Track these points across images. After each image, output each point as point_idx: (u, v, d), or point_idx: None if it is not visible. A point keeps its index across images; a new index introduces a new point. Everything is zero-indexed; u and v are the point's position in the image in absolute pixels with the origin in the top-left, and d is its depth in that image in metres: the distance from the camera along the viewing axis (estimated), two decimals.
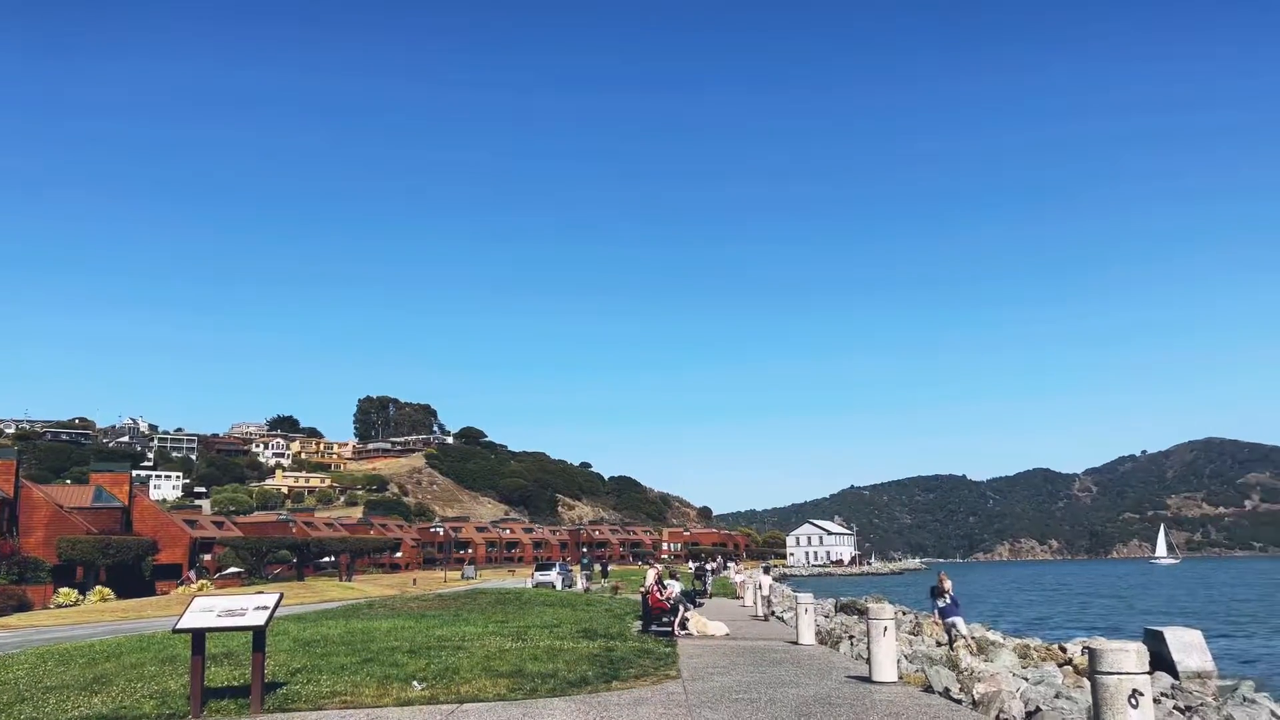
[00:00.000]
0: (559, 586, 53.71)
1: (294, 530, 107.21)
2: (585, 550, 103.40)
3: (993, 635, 26.04)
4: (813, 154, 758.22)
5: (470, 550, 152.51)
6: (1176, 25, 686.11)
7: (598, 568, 70.80)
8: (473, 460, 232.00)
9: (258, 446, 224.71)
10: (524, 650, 16.03)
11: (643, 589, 22.57)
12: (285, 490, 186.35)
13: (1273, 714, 13.38)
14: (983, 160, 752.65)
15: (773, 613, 29.59)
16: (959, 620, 21.11)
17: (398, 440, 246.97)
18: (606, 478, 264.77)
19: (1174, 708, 13.76)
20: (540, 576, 57.08)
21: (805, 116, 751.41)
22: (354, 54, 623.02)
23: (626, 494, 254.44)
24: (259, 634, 10.81)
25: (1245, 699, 14.76)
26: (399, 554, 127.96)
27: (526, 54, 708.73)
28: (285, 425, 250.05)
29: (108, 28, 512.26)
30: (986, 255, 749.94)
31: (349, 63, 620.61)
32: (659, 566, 26.84)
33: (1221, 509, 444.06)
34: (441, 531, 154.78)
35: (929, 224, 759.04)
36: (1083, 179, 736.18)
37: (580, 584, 52.02)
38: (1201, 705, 13.96)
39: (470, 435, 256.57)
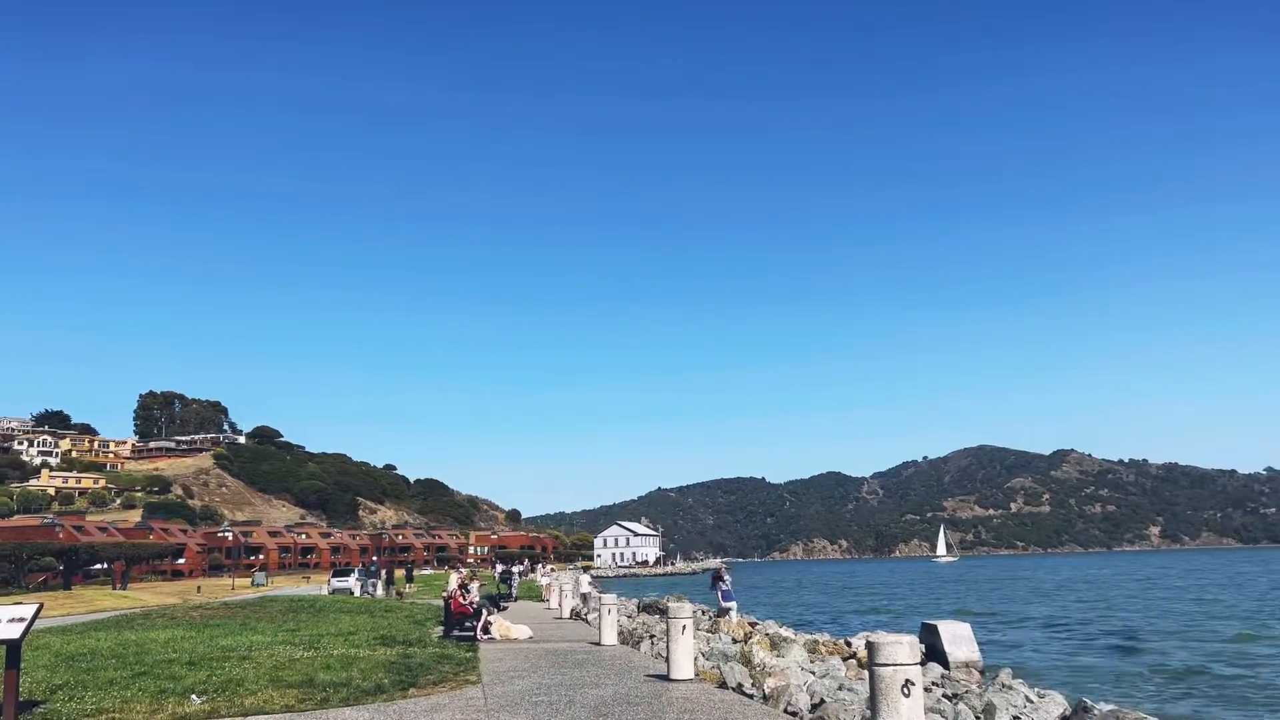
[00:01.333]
0: (357, 593, 51.91)
1: (61, 535, 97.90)
2: (375, 559, 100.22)
3: (785, 632, 27.17)
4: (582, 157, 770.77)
5: (262, 556, 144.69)
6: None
7: (400, 573, 68.85)
8: (267, 461, 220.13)
9: (21, 444, 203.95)
10: (316, 659, 15.36)
11: (445, 593, 22.14)
12: (52, 492, 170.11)
13: (1026, 698, 14.68)
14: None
15: (579, 614, 29.73)
16: (734, 605, 25.85)
17: (183, 439, 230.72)
18: (412, 480, 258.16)
19: (943, 695, 14.83)
20: (337, 583, 55.06)
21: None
22: None
23: (432, 497, 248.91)
24: (13, 649, 9.82)
25: (1004, 685, 16.13)
26: (182, 560, 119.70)
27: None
28: (54, 421, 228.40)
29: None
30: (781, 271, 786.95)
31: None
32: (463, 570, 26.43)
33: (991, 511, 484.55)
34: (230, 536, 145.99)
35: (727, 233, 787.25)
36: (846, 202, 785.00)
37: (376, 591, 50.66)
38: (966, 692, 15.13)
39: (264, 435, 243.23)
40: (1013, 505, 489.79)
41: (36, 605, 10.50)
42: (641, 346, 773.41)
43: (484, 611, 20.84)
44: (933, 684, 16.25)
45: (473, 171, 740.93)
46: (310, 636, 19.74)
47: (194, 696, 11.50)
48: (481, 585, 27.75)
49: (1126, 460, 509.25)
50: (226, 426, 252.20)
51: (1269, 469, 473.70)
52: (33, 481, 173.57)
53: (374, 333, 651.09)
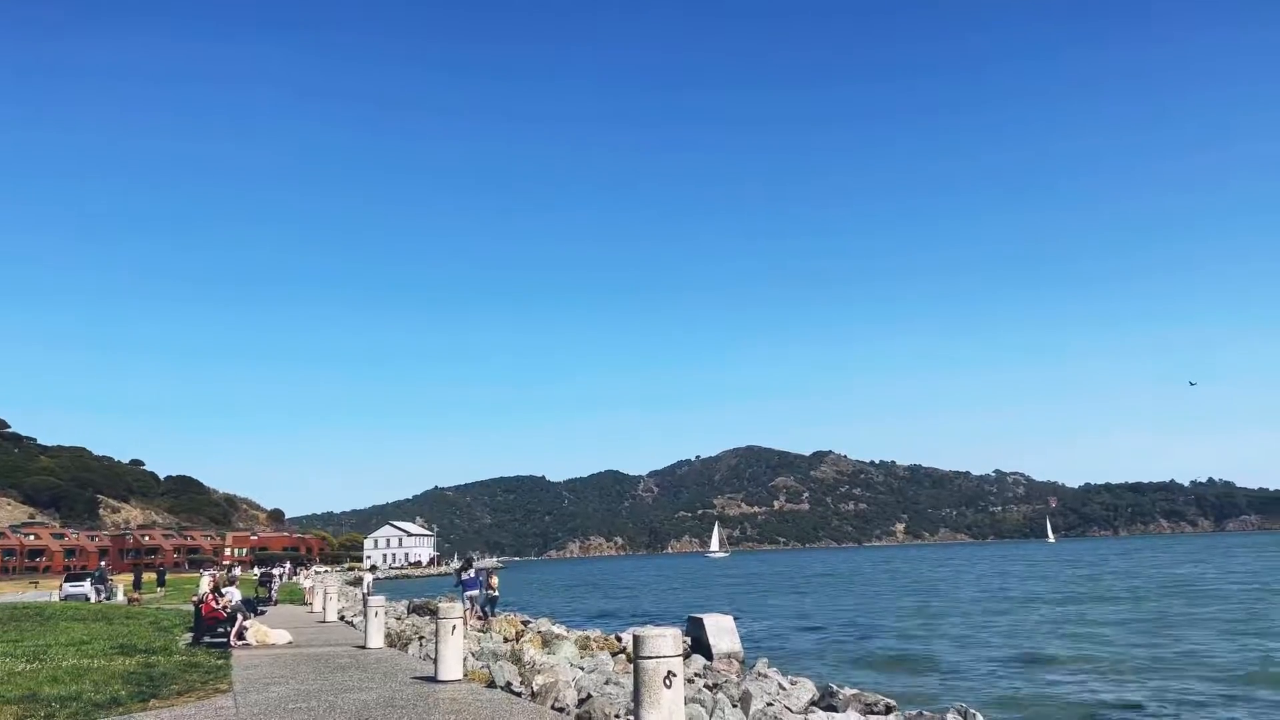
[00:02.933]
0: (94, 599, 47.61)
1: None
2: (103, 562, 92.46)
3: (557, 629, 27.42)
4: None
5: None
6: None
7: (151, 576, 63.58)
8: None
9: None
10: (41, 672, 13.93)
11: (195, 598, 20.70)
12: None
13: (779, 685, 15.57)
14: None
15: (344, 617, 28.64)
16: (475, 593, 27.25)
17: None
18: (162, 477, 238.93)
19: (704, 685, 15.47)
20: (71, 588, 50.35)
21: None
22: None
23: (185, 495, 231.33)
24: None
25: (760, 674, 17.02)
26: None
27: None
28: None
29: None
30: (561, 273, 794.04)
31: None
32: (215, 573, 24.80)
33: (756, 508, 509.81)
34: None
35: (505, 227, 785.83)
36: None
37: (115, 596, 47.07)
38: (726, 682, 15.86)
39: None
40: (776, 503, 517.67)
41: None
42: (422, 343, 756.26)
43: (239, 616, 19.65)
44: (695, 675, 16.91)
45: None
46: (35, 647, 17.87)
47: None
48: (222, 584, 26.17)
49: (878, 461, 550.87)
50: None
51: (997, 471, 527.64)
52: None
53: (122, 317, 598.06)
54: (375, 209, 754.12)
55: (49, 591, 58.42)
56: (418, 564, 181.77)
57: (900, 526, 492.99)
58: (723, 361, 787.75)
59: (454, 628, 12.83)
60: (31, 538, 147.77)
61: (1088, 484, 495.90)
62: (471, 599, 27.13)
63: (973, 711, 13.58)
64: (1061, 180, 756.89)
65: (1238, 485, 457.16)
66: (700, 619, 25.30)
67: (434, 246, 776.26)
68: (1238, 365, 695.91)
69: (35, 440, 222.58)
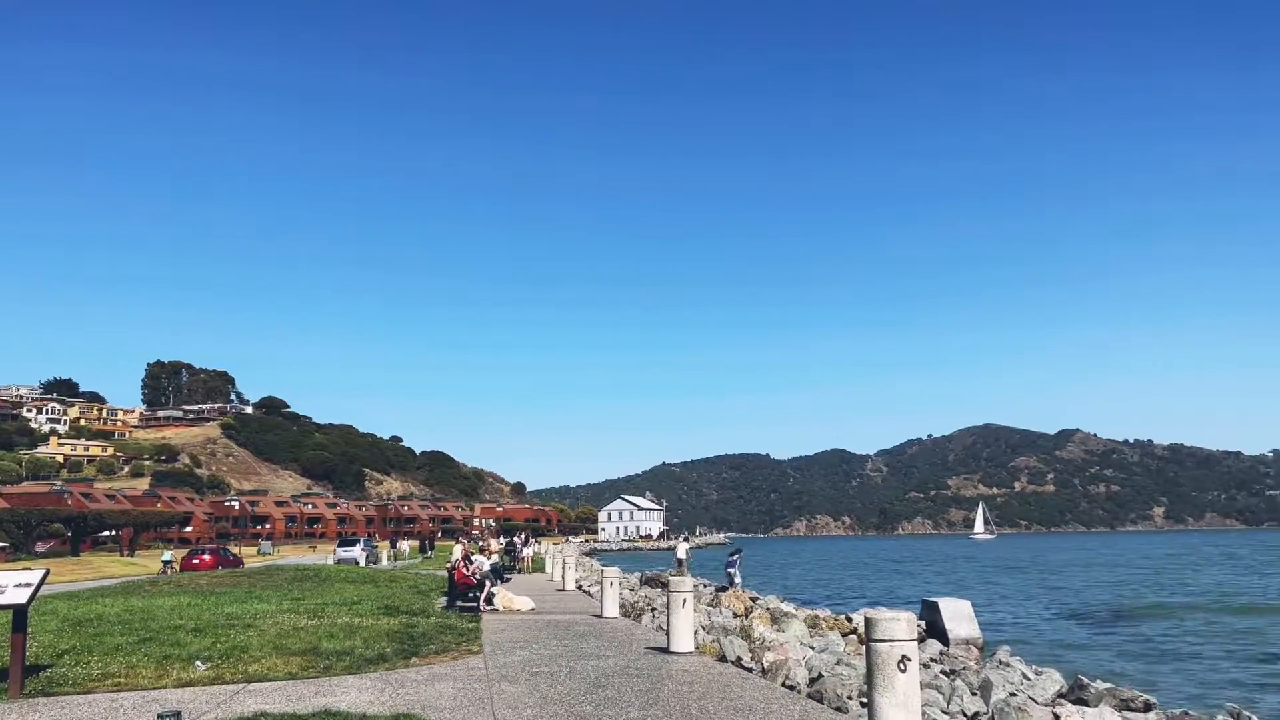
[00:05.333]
0: (363, 563, 52.31)
1: (69, 501, 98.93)
2: (357, 533, 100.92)
3: (786, 607, 27.36)
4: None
5: (268, 525, 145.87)
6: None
7: (404, 546, 69.14)
8: (273, 431, 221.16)
9: (29, 411, 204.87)
10: (320, 628, 15.52)
11: (448, 564, 22.31)
12: (61, 459, 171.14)
13: (1023, 675, 14.78)
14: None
15: (582, 586, 29.94)
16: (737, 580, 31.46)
17: (190, 408, 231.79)
18: (418, 452, 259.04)
19: (940, 671, 14.94)
20: (343, 553, 55.48)
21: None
22: None
23: (438, 469, 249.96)
24: (20, 613, 9.92)
25: (1001, 662, 16.23)
26: (189, 528, 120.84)
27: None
28: (62, 389, 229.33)
29: None
30: (787, 253, 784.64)
31: None
32: (466, 542, 26.60)
33: (995, 489, 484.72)
34: (237, 505, 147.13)
35: (731, 215, 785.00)
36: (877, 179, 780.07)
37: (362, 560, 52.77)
38: (964, 669, 15.24)
39: (271, 405, 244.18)
40: (1016, 484, 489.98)
41: (43, 571, 10.60)
42: (649, 324, 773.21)
43: (487, 583, 20.99)
44: (931, 660, 16.37)
45: (485, 152, 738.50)
46: (314, 606, 19.92)
47: (198, 663, 11.64)
48: (491, 557, 28.01)
49: (1132, 441, 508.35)
50: (234, 396, 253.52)
51: (1275, 451, 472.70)
52: (41, 448, 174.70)
53: (383, 306, 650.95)
54: (584, 206, 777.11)
55: (325, 555, 64.92)
56: (648, 537, 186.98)
57: (1159, 510, 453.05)
58: (953, 338, 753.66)
59: (684, 601, 13.09)
60: (309, 506, 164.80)
61: None
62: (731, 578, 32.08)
63: (1247, 714, 12.33)
64: None
65: None
66: (935, 603, 24.41)
67: (664, 228, 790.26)
68: None
69: (310, 419, 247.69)
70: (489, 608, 20.24)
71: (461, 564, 21.22)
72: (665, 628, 13.91)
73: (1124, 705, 13.13)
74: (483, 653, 13.28)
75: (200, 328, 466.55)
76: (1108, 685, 13.97)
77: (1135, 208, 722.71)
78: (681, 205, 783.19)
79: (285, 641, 13.66)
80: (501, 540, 47.67)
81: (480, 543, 42.75)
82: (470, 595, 20.66)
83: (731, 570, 33.03)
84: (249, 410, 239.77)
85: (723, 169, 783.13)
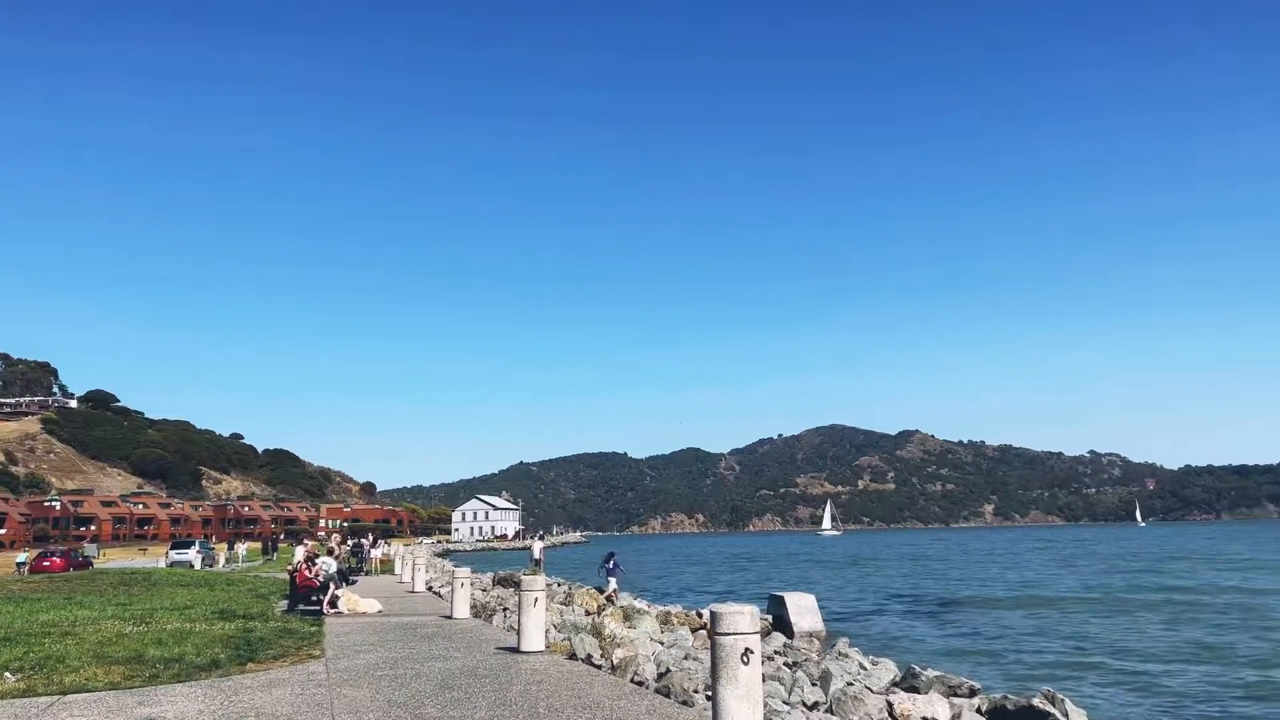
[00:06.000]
0: (198, 566, 49.93)
1: None
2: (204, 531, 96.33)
3: (640, 604, 27.65)
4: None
5: (94, 527, 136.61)
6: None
7: (241, 549, 66.04)
8: (101, 427, 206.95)
9: None
10: (147, 634, 14.64)
11: (290, 567, 21.47)
12: None
13: (860, 665, 15.42)
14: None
15: (432, 588, 29.37)
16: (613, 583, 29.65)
17: (6, 401, 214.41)
18: (260, 450, 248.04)
19: (784, 663, 15.41)
20: (176, 555, 52.93)
21: None
22: None
23: (282, 468, 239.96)
24: None
25: (840, 653, 16.89)
26: (3, 530, 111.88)
27: None
28: None
29: None
30: (641, 255, 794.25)
31: None
32: (310, 543, 25.68)
33: (840, 488, 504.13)
34: (58, 505, 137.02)
35: (588, 219, 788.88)
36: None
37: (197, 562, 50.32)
38: (806, 660, 15.77)
39: (99, 400, 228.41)
40: (860, 482, 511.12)
41: None
42: (506, 321, 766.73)
43: (332, 585, 20.31)
44: (775, 653, 16.86)
45: (312, 135, 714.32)
46: (142, 611, 18.81)
47: (7, 674, 10.78)
48: (337, 559, 27.08)
49: (966, 442, 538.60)
50: (56, 389, 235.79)
51: (1091, 452, 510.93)
52: None
53: (221, 296, 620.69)
54: (455, 201, 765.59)
55: (157, 558, 61.39)
56: (503, 537, 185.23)
57: (989, 508, 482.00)
58: (804, 341, 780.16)
59: (535, 600, 13.02)
60: (140, 506, 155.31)
61: (1188, 466, 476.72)
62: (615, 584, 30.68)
63: (1061, 697, 13.23)
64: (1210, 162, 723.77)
65: None
66: (781, 597, 25.23)
67: (512, 232, 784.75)
68: None
69: (142, 414, 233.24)
70: (333, 611, 19.60)
71: (304, 566, 20.47)
72: (516, 627, 13.80)
73: (951, 691, 13.88)
74: (324, 657, 12.84)
75: (17, 314, 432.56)
76: (937, 673, 14.73)
77: (960, 218, 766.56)
78: (543, 197, 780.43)
79: (107, 649, 12.81)
80: (349, 542, 46.26)
81: (326, 544, 41.37)
82: (313, 598, 19.96)
83: (611, 575, 32.10)
84: (73, 404, 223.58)
85: (566, 161, 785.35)
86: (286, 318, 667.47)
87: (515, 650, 13.00)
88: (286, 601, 21.07)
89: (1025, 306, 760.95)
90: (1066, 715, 12.55)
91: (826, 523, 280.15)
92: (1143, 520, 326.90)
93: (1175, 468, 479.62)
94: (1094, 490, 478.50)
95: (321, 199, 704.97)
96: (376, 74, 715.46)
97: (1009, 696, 13.22)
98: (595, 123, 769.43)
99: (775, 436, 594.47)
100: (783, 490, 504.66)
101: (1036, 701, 13.00)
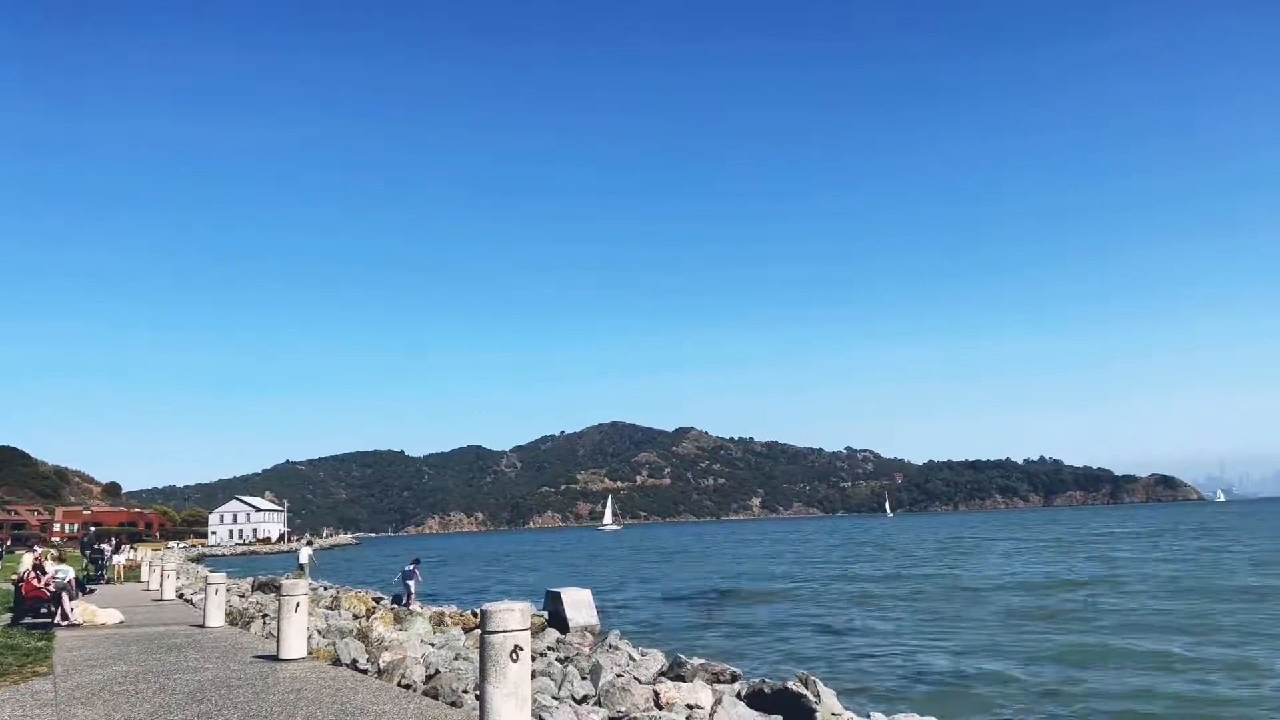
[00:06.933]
0: None
1: None
2: None
3: (414, 605, 27.01)
4: None
5: None
6: None
7: None
8: None
9: None
10: None
11: (15, 576, 19.37)
12: None
13: (630, 657, 15.80)
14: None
15: (184, 595, 27.39)
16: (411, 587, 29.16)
17: None
18: None
19: (556, 659, 15.54)
20: None
21: None
22: None
23: (10, 467, 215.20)
24: None
25: (612, 646, 17.23)
26: None
27: None
28: None
29: None
30: (436, 249, 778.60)
31: None
32: (39, 550, 23.27)
33: (619, 483, 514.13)
34: None
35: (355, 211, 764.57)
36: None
37: None
38: (578, 655, 15.97)
39: None
40: (638, 478, 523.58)
41: None
42: (269, 307, 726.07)
43: (65, 595, 18.49)
44: (548, 649, 16.98)
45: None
46: None
47: None
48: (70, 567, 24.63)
49: (737, 438, 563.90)
50: None
51: (848, 448, 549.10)
52: None
53: None
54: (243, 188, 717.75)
55: None
56: (266, 540, 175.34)
57: (756, 501, 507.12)
58: (589, 338, 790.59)
59: (297, 605, 12.44)
60: None
61: (931, 461, 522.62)
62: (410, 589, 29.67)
63: (814, 679, 14.14)
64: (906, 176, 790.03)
65: (1065, 463, 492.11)
66: (558, 593, 25.37)
67: (293, 217, 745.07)
68: (1070, 354, 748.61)
69: None
70: (66, 623, 17.85)
71: (32, 574, 18.53)
72: (276, 634, 13.12)
73: (714, 678, 14.50)
74: (53, 674, 11.67)
75: None
76: (702, 661, 15.35)
77: (739, 222, 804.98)
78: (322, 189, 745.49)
79: None
80: (89, 549, 42.21)
81: (59, 550, 37.62)
82: (42, 610, 18.12)
83: (410, 581, 30.69)
84: None
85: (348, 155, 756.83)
86: (10, 296, 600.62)
87: (274, 658, 12.37)
88: (10, 614, 18.99)
89: (794, 312, 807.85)
90: (819, 696, 13.41)
91: (608, 518, 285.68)
92: (891, 511, 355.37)
93: (920, 463, 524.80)
94: (850, 484, 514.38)
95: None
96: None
97: (766, 680, 13.96)
98: None
99: (558, 434, 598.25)
100: (564, 487, 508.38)
101: (791, 684, 13.82)
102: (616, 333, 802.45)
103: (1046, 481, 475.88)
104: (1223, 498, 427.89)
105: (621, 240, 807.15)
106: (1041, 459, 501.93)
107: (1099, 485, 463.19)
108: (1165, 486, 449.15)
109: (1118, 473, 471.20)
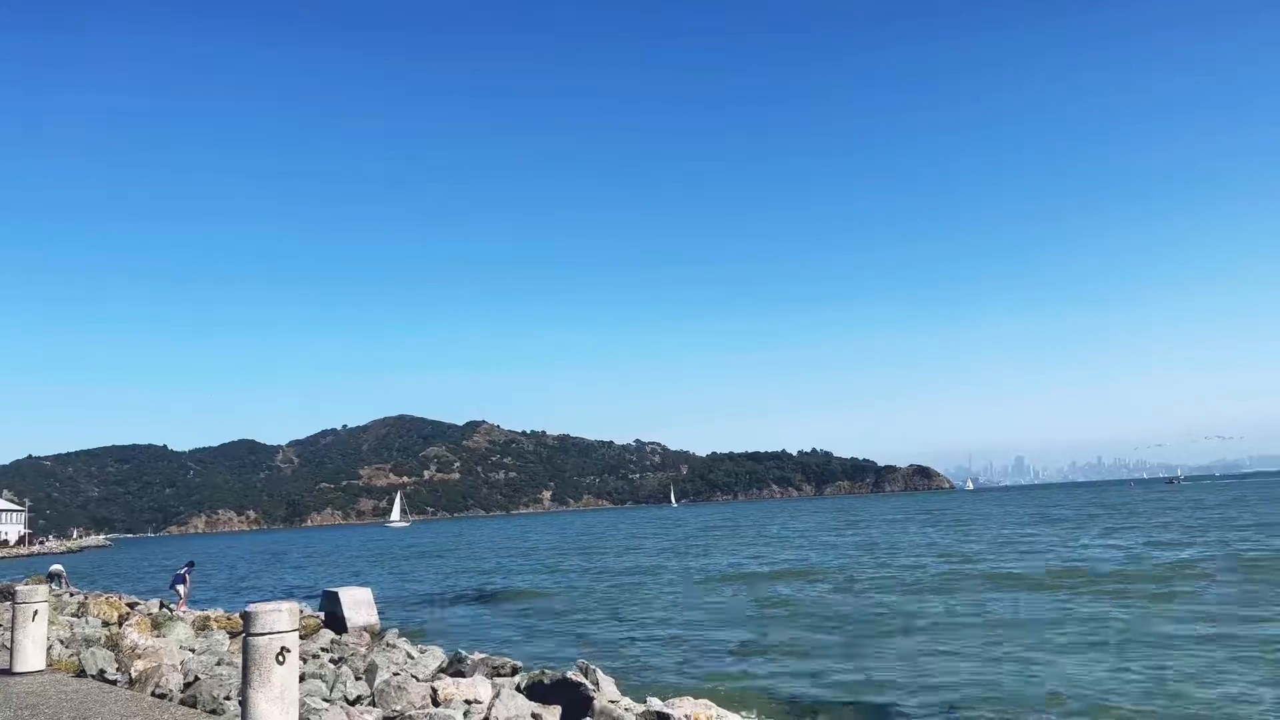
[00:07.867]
0: None
1: None
2: None
3: (181, 610, 25.28)
4: None
5: None
6: None
7: None
8: None
9: None
10: None
11: None
12: None
13: (408, 655, 15.54)
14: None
15: None
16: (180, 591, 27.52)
17: None
18: None
19: (330, 660, 15.04)
20: None
21: None
22: None
23: None
24: None
25: (389, 645, 16.88)
26: None
27: None
28: None
29: None
30: (198, 236, 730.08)
31: None
32: None
33: (406, 479, 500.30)
34: None
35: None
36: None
37: None
38: (354, 655, 15.54)
39: None
40: (426, 473, 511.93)
41: None
42: (17, 284, 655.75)
43: None
44: (321, 650, 16.42)
45: None
46: None
47: None
48: None
49: (529, 431, 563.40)
50: None
51: (637, 441, 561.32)
52: None
53: None
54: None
55: None
56: (4, 543, 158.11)
57: (547, 494, 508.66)
58: (373, 332, 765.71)
59: (36, 613, 11.39)
60: None
61: (714, 453, 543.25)
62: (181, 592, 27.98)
63: (593, 668, 14.45)
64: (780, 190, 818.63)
65: (835, 455, 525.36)
66: (336, 593, 24.54)
67: (48, 201, 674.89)
68: (846, 352, 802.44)
69: None
70: None
71: None
72: (9, 645, 11.95)
73: (495, 672, 14.53)
74: None
75: None
76: (482, 655, 15.34)
77: (533, 212, 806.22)
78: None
79: None
80: None
81: None
82: None
83: (179, 585, 28.25)
84: None
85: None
86: None
87: (7, 672, 11.28)
88: None
89: (589, 311, 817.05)
90: (597, 684, 13.73)
91: (395, 514, 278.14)
92: (676, 501, 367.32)
93: (704, 455, 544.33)
94: (639, 476, 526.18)
95: None
96: None
97: (546, 671, 14.15)
98: None
99: (340, 428, 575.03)
100: (345, 483, 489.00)
101: (571, 674, 14.07)
102: (407, 325, 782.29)
103: (818, 472, 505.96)
104: (971, 486, 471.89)
105: (420, 234, 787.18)
106: (814, 450, 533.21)
107: (864, 475, 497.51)
108: (922, 476, 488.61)
109: (880, 464, 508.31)
